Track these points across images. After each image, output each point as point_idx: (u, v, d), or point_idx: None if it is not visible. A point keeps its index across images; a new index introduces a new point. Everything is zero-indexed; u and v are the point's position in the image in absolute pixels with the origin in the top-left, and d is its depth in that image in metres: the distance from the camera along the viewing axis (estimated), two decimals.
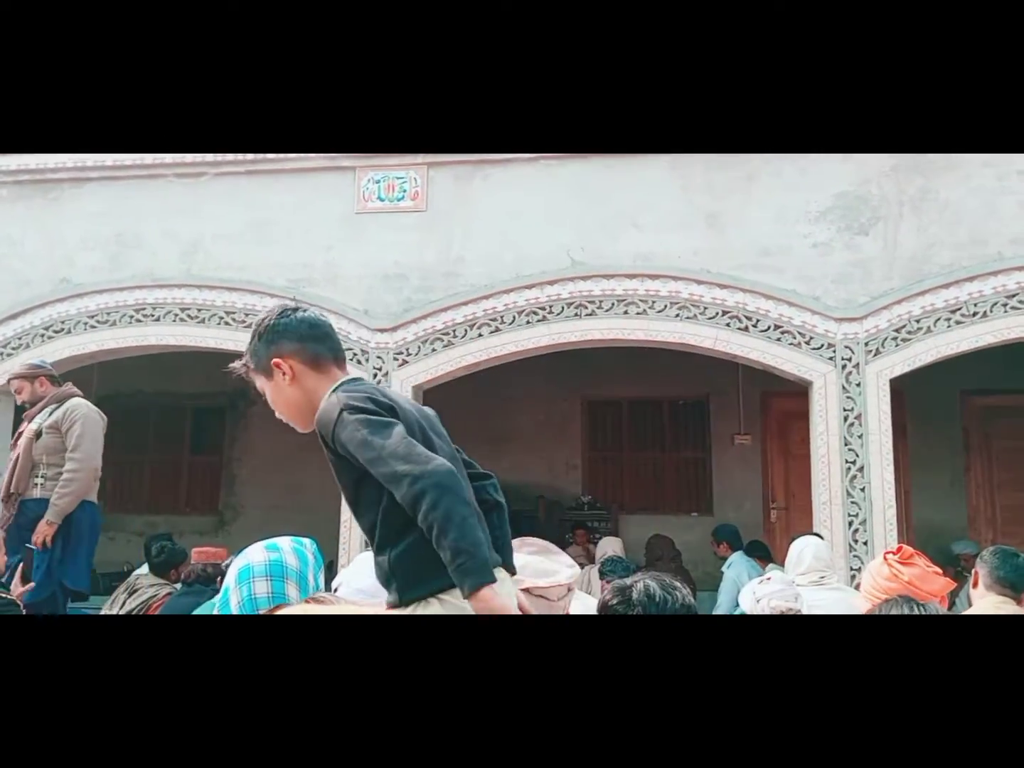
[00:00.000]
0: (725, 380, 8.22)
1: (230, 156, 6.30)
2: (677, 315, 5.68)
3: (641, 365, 7.94)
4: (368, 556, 3.05)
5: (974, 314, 5.35)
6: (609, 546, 6.40)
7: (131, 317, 6.37)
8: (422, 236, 6.11)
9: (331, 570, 6.07)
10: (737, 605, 4.34)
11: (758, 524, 8.23)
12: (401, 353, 6.01)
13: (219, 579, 4.17)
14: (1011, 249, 5.37)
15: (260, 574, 2.25)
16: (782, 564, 4.58)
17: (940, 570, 3.15)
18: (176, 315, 6.31)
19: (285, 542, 2.44)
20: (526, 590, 2.09)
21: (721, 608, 6.01)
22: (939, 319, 5.39)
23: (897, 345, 5.43)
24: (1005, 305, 5.32)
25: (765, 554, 6.58)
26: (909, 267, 5.49)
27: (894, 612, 1.86)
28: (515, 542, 2.29)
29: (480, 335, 5.92)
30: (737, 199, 5.76)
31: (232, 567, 2.32)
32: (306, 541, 2.52)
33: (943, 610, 1.99)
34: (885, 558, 3.17)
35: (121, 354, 6.63)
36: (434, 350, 5.97)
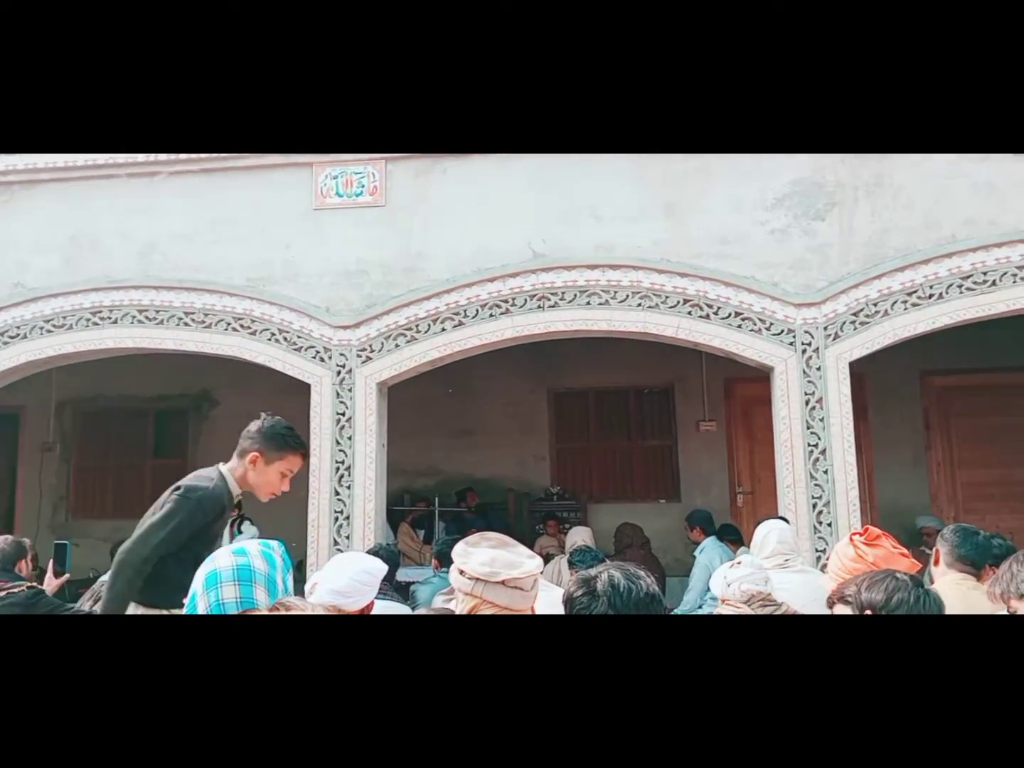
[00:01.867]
0: (689, 367, 8.28)
1: (183, 155, 6.22)
2: (639, 304, 5.71)
3: (606, 355, 7.98)
4: (342, 557, 3.06)
5: (930, 296, 5.44)
6: (578, 536, 6.42)
7: (88, 320, 6.27)
8: (382, 231, 6.07)
9: (300, 570, 6.04)
10: (708, 589, 4.39)
11: (725, 509, 8.30)
12: (364, 350, 5.98)
13: None
14: (964, 231, 5.46)
15: (228, 579, 2.23)
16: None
17: (906, 551, 3.19)
18: (134, 317, 6.22)
19: (252, 545, 2.42)
20: (502, 582, 2.17)
21: (693, 592, 6.08)
22: (896, 302, 5.47)
23: (856, 329, 5.50)
24: (960, 286, 5.41)
25: (737, 537, 6.65)
26: (865, 251, 5.56)
27: (899, 593, 1.86)
28: (474, 536, 2.36)
29: (443, 329, 5.90)
30: (694, 188, 5.80)
31: (199, 572, 2.30)
32: (274, 544, 2.50)
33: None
34: (851, 539, 3.20)
35: (79, 358, 6.52)
36: (397, 346, 5.95)
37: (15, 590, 3.51)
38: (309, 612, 1.71)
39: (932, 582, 3.37)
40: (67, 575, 4.12)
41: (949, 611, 2.77)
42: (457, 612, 2.33)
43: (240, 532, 6.35)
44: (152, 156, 6.26)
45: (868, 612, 1.85)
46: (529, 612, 2.28)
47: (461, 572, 2.25)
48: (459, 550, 2.29)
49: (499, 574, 2.17)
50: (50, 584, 3.91)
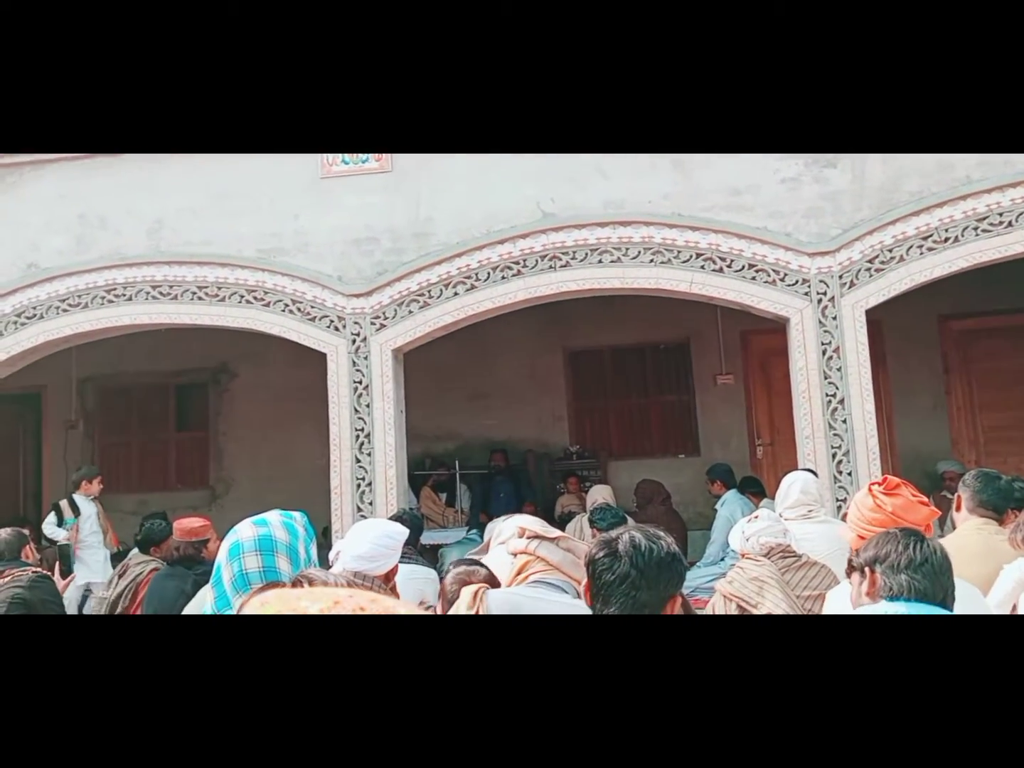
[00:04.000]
0: (704, 321, 8.23)
1: None
2: (651, 260, 5.67)
3: (620, 312, 7.95)
4: (363, 524, 3.10)
5: (946, 239, 5.37)
6: (599, 494, 6.44)
7: (102, 298, 6.30)
8: (389, 197, 6.05)
9: (327, 536, 6.13)
10: (728, 544, 4.41)
11: (745, 462, 8.30)
12: (378, 317, 5.99)
13: (203, 552, 4.17)
14: (979, 172, 5.37)
15: (250, 549, 2.28)
16: (774, 499, 4.64)
17: (926, 499, 3.19)
18: (148, 293, 6.25)
19: (274, 516, 2.46)
20: (555, 540, 2.44)
21: (715, 545, 6.12)
22: (911, 247, 5.41)
23: (871, 276, 5.45)
24: (976, 228, 5.34)
25: (759, 489, 6.67)
26: (878, 197, 5.48)
27: (888, 545, 1.95)
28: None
29: (456, 293, 5.89)
30: None
31: (223, 544, 2.34)
32: (296, 514, 2.54)
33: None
34: (870, 489, 3.19)
35: (96, 336, 6.57)
36: (411, 312, 5.95)
37: (19, 575, 3.63)
38: (331, 583, 1.74)
39: (954, 527, 3.37)
40: (74, 575, 4.26)
41: (971, 557, 2.79)
42: (505, 574, 2.52)
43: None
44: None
45: (868, 570, 1.94)
46: (578, 584, 2.37)
47: (521, 532, 2.46)
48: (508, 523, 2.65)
49: (553, 532, 2.46)
50: (59, 585, 3.97)
